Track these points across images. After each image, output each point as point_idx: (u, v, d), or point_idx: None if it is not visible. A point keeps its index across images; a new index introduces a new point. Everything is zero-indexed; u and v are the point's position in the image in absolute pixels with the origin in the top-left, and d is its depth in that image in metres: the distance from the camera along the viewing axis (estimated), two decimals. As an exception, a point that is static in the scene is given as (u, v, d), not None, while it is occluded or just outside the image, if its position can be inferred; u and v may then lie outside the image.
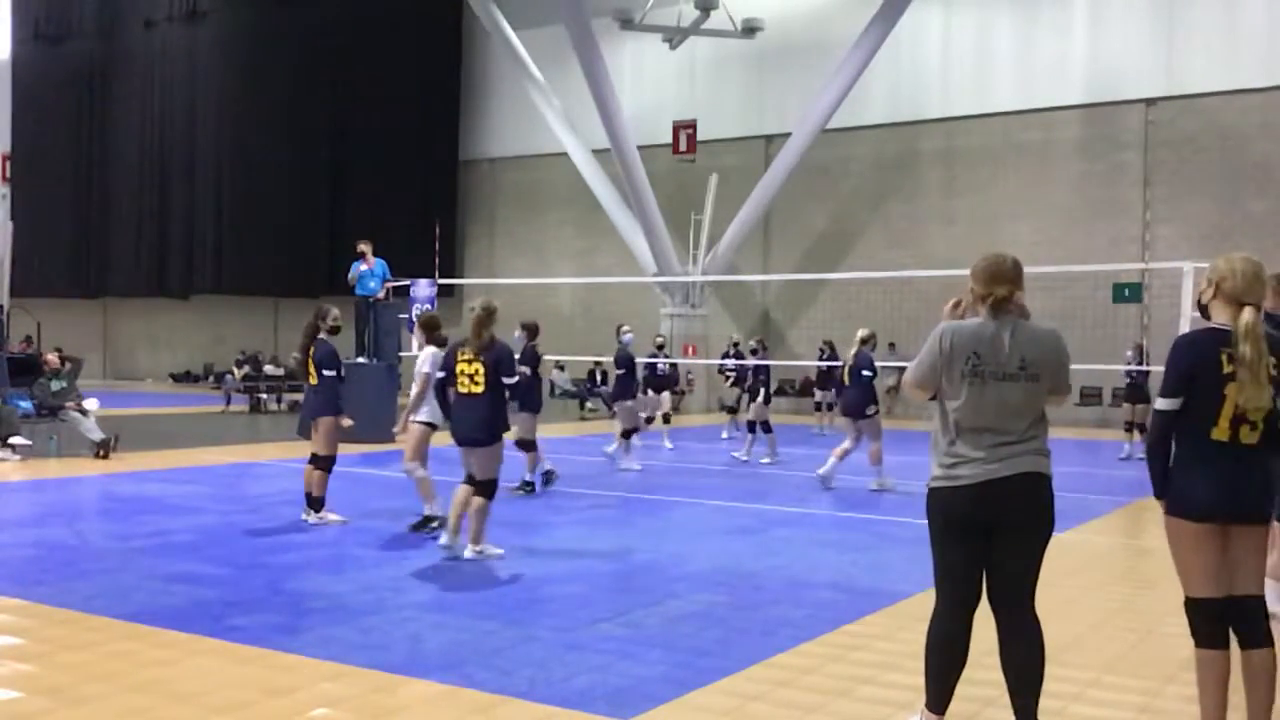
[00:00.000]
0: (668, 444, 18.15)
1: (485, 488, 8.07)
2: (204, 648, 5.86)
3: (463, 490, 8.12)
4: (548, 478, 12.37)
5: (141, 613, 6.46)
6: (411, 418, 9.53)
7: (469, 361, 8.12)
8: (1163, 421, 4.26)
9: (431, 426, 9.52)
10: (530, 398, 12.14)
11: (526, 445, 12.19)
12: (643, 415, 16.23)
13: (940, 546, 4.26)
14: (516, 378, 8.33)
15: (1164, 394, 4.25)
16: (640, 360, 16.73)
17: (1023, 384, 4.11)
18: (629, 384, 15.18)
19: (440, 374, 8.40)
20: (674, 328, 26.04)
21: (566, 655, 5.71)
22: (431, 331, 9.72)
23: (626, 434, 15.03)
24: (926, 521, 4.31)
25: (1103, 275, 21.95)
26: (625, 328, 15.55)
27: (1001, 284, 4.18)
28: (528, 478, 12.24)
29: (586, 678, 5.34)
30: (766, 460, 15.59)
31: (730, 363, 19.97)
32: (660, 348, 18.21)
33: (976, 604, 4.24)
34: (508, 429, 8.25)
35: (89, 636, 5.96)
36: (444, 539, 8.14)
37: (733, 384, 19.62)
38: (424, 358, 9.55)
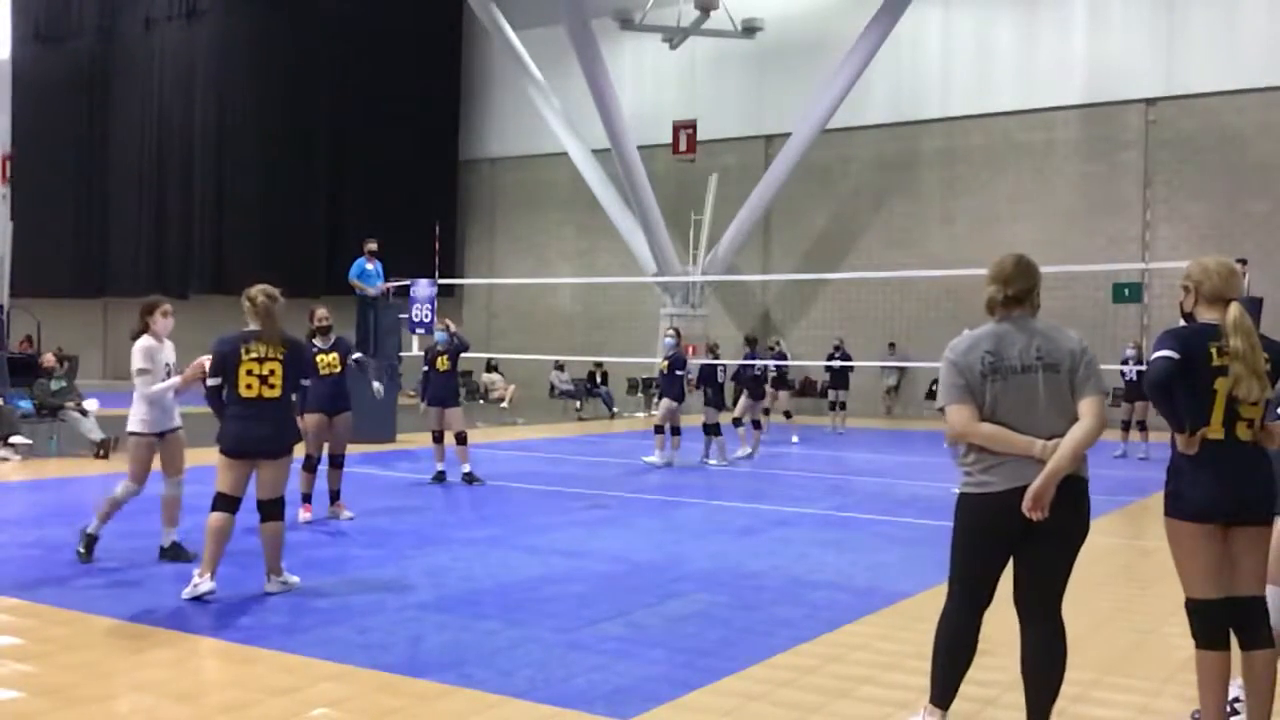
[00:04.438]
0: (794, 439, 19.39)
1: (276, 507, 7.03)
2: (204, 648, 5.86)
3: (222, 519, 6.88)
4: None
5: (142, 613, 6.46)
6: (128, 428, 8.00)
7: (259, 361, 6.94)
8: (1165, 364, 4.14)
9: (153, 436, 7.98)
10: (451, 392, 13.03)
11: (463, 437, 12.93)
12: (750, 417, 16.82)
13: (963, 552, 4.20)
14: (309, 379, 7.39)
15: (1162, 350, 4.21)
16: (726, 362, 16.92)
17: (1041, 374, 4.05)
18: (677, 384, 15.44)
19: (215, 380, 6.97)
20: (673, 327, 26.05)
21: (566, 655, 5.71)
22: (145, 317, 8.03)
23: (708, 430, 15.65)
24: (953, 525, 4.24)
25: (1103, 275, 21.95)
26: (670, 331, 15.91)
27: (995, 283, 4.19)
28: (465, 469, 12.88)
29: (586, 678, 5.34)
30: (714, 463, 15.50)
31: (697, 363, 19.49)
32: (752, 344, 17.58)
33: (989, 604, 4.21)
34: (298, 439, 7.30)
35: (89, 637, 5.96)
36: (206, 586, 6.75)
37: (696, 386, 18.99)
38: (139, 351, 7.87)
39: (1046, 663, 4.15)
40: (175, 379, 7.84)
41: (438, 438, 12.93)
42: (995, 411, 4.07)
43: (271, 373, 6.95)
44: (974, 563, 4.17)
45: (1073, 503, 4.05)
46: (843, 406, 21.70)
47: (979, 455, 4.10)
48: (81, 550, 7.92)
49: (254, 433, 6.92)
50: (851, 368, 21.62)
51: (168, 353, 8.02)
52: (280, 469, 7.05)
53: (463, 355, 13.47)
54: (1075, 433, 4.01)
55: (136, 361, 7.83)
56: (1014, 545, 4.08)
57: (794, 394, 26.80)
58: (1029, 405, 4.05)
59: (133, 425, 7.92)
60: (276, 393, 6.97)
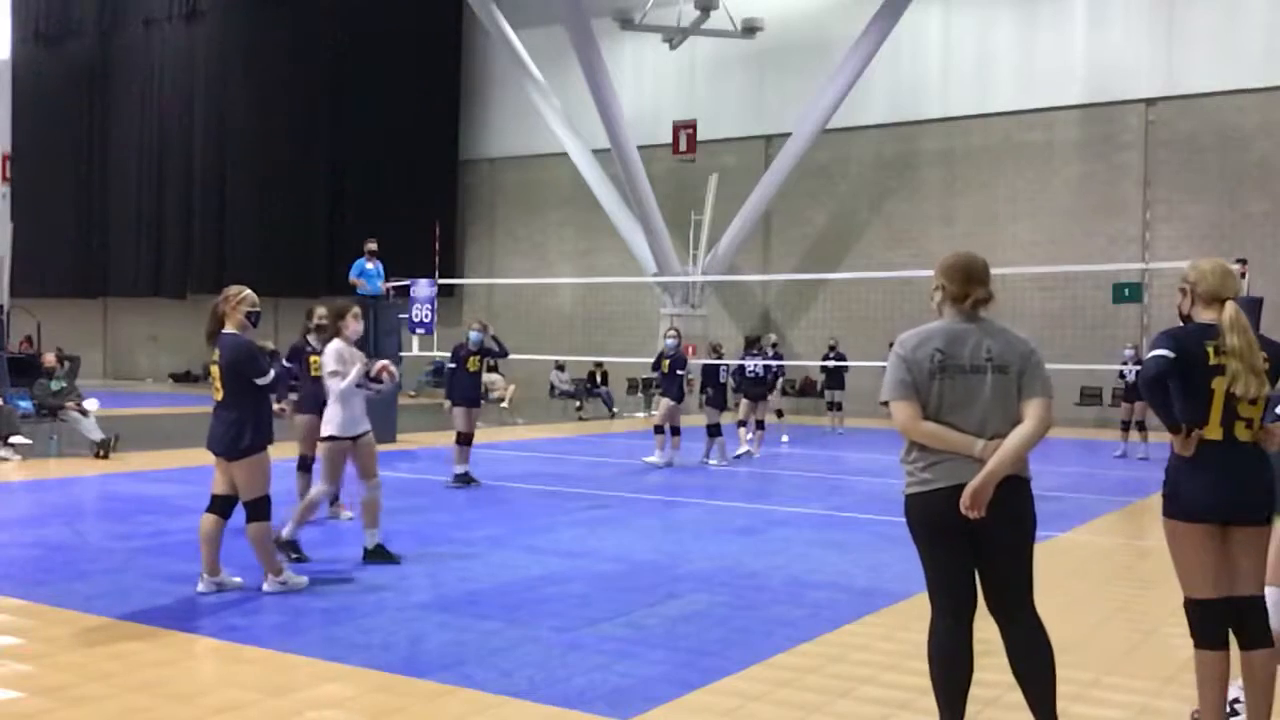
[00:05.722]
0: (784, 438, 19.20)
1: (254, 509, 6.92)
2: (204, 648, 5.87)
3: (208, 520, 6.96)
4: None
5: (141, 613, 6.46)
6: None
7: (213, 362, 7.01)
8: (1159, 362, 4.15)
9: (347, 441, 8.07)
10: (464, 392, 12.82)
11: (465, 439, 12.72)
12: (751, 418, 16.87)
13: (924, 555, 4.15)
14: (267, 377, 6.95)
15: (1157, 349, 4.21)
16: (727, 362, 17.01)
17: (990, 375, 4.01)
18: (677, 384, 15.44)
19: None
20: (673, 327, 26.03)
21: (567, 655, 5.71)
22: (336, 320, 8.27)
23: (710, 430, 15.63)
24: (909, 531, 4.18)
25: (1103, 275, 21.94)
26: (672, 332, 15.87)
27: (978, 284, 4.14)
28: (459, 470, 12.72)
29: (586, 678, 5.34)
30: (714, 463, 15.46)
31: (698, 363, 19.41)
32: (755, 343, 17.58)
33: (973, 608, 4.14)
34: (268, 440, 7.03)
35: (89, 636, 5.96)
36: (201, 585, 6.99)
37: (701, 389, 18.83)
38: (331, 354, 8.12)
39: (1032, 662, 4.12)
40: (357, 369, 7.98)
41: (465, 439, 12.64)
42: (940, 410, 4.03)
43: (214, 375, 7.02)
44: (939, 565, 4.12)
45: (1015, 502, 4.02)
46: (839, 407, 21.70)
47: (920, 453, 4.07)
48: (293, 556, 7.93)
49: (210, 433, 7.02)
50: (846, 368, 21.63)
51: (359, 355, 8.18)
52: (239, 471, 6.90)
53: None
54: (1017, 434, 3.97)
55: (329, 364, 8.02)
56: (969, 542, 4.03)
57: (795, 394, 26.84)
58: (974, 405, 4.01)
59: (327, 430, 8.01)
60: (218, 395, 6.99)
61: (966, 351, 4.05)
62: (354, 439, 8.06)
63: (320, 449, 8.15)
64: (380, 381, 8.44)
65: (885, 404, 4.16)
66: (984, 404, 4.01)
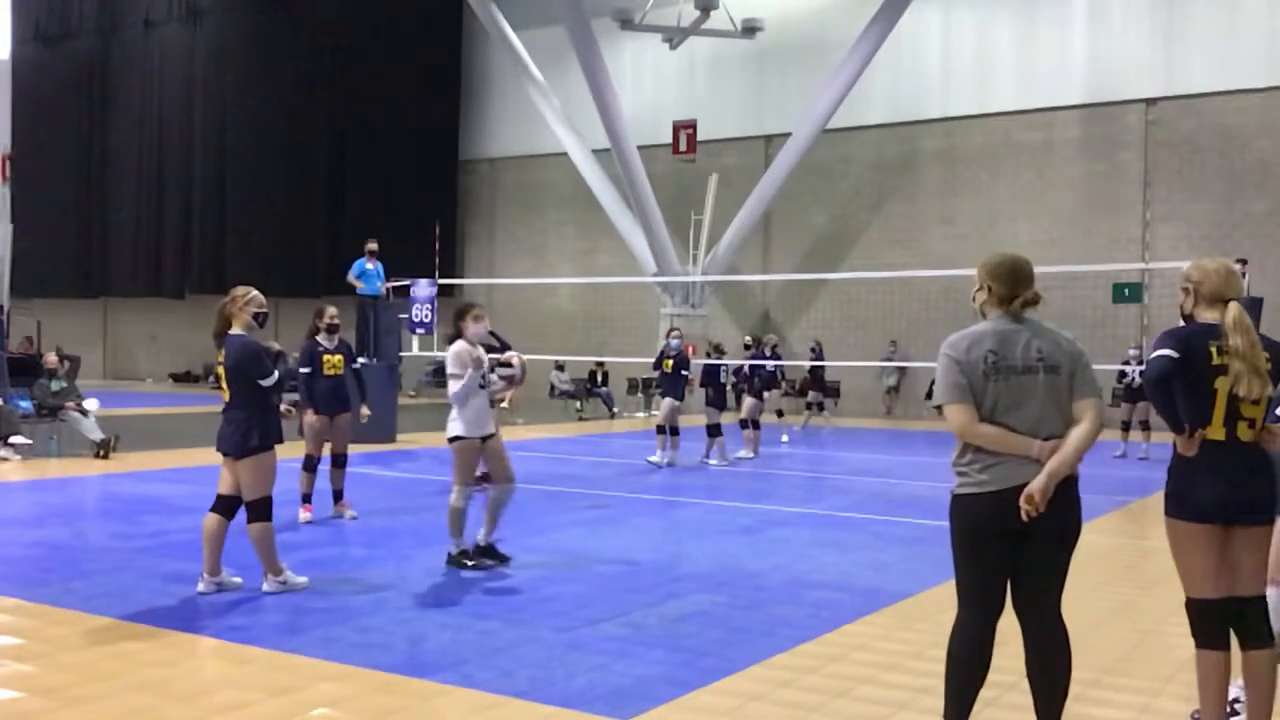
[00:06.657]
0: (784, 438, 19.24)
1: (255, 509, 6.94)
2: (204, 648, 5.87)
3: (211, 520, 6.97)
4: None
5: (141, 613, 6.46)
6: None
7: (219, 363, 7.05)
8: (1163, 362, 4.15)
9: (477, 440, 7.96)
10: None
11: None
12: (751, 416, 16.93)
13: (965, 555, 4.13)
14: (271, 378, 6.96)
15: (1161, 349, 4.21)
16: (729, 362, 17.00)
17: (1042, 375, 4.01)
18: (679, 383, 15.48)
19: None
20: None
21: (567, 655, 5.71)
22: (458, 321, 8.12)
23: (711, 431, 15.69)
24: (950, 528, 4.15)
25: (1103, 275, 21.96)
26: (675, 332, 15.85)
27: (1027, 285, 4.14)
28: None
29: (586, 678, 5.34)
30: (715, 463, 15.47)
31: (699, 363, 19.39)
32: (759, 344, 17.62)
33: (1002, 609, 4.12)
34: (277, 439, 7.06)
35: (89, 636, 5.97)
36: (201, 585, 7.00)
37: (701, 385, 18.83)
38: (451, 356, 8.00)
39: (1050, 665, 4.11)
40: (470, 375, 7.80)
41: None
42: (994, 411, 4.02)
43: (219, 375, 7.05)
44: (975, 565, 4.11)
45: (1066, 503, 4.02)
46: (820, 407, 21.72)
47: (975, 455, 4.05)
48: (469, 563, 7.90)
49: (219, 433, 7.05)
50: (824, 368, 21.69)
51: (482, 355, 8.06)
52: (244, 470, 6.93)
53: None
54: (1076, 434, 3.99)
55: (450, 367, 7.92)
56: (1013, 545, 4.03)
57: (795, 395, 26.84)
58: (1028, 406, 4.01)
59: (453, 430, 7.90)
60: (225, 395, 7.02)
61: (1018, 352, 4.04)
62: (482, 440, 7.96)
63: (452, 449, 7.98)
64: (511, 365, 8.60)
65: (939, 408, 4.13)
66: (1038, 404, 4.01)
